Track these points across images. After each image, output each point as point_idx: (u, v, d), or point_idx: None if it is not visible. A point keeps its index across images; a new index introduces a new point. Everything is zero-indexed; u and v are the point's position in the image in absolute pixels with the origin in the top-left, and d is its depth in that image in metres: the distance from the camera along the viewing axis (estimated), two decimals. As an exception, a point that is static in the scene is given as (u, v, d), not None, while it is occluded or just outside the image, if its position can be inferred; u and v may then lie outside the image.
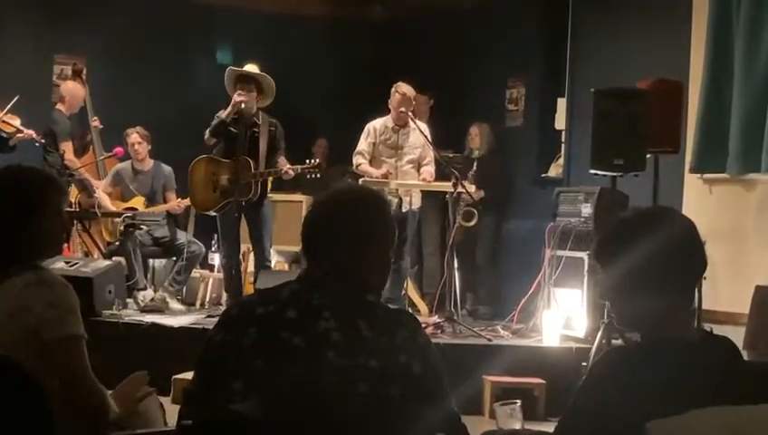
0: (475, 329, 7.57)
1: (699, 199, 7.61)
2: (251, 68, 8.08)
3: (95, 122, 9.46)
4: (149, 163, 8.87)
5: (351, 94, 10.48)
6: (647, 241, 2.46)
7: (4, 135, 8.71)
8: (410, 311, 8.32)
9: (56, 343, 2.78)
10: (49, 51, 10.31)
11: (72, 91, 9.20)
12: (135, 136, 8.77)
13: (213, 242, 9.11)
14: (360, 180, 8.02)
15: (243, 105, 7.81)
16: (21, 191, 2.92)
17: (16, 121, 8.74)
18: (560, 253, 7.59)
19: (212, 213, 8.10)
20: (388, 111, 8.31)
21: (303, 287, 2.54)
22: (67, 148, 8.89)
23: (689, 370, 2.41)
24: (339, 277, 2.53)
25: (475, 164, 9.11)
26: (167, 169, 8.92)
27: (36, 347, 2.76)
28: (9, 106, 8.64)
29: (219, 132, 7.92)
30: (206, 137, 7.98)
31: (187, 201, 8.64)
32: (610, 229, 2.60)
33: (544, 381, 6.66)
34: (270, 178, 8.24)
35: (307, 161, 7.91)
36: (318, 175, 7.91)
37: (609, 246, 2.54)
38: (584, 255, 7.40)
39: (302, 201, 9.31)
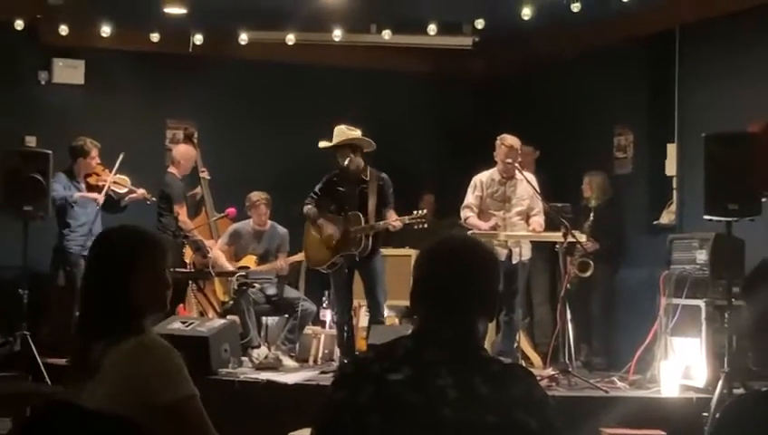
0: (590, 381, 7.45)
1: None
2: (342, 132, 8.16)
3: (204, 173, 9.65)
4: (267, 224, 9.02)
5: (456, 148, 10.52)
6: None
7: (115, 196, 8.97)
8: (524, 364, 8.25)
9: (171, 407, 2.78)
10: (161, 116, 10.63)
11: (185, 153, 9.42)
12: (263, 208, 8.91)
13: (324, 298, 9.19)
14: (468, 233, 8.00)
15: (349, 166, 7.96)
16: (113, 252, 2.94)
17: (126, 181, 8.99)
18: (675, 301, 7.46)
19: (324, 269, 8.19)
20: (494, 164, 8.30)
21: (417, 343, 2.53)
22: (181, 210, 9.11)
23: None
24: (452, 332, 2.52)
25: (591, 214, 9.01)
26: (282, 230, 9.06)
27: (150, 414, 2.77)
28: (117, 165, 8.90)
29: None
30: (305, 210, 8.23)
31: (296, 257, 8.77)
32: (757, 267, 2.60)
33: (665, 433, 6.51)
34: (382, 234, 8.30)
35: (414, 212, 7.96)
36: (425, 225, 7.95)
37: (755, 282, 2.53)
38: (701, 302, 7.25)
39: (410, 255, 9.32)
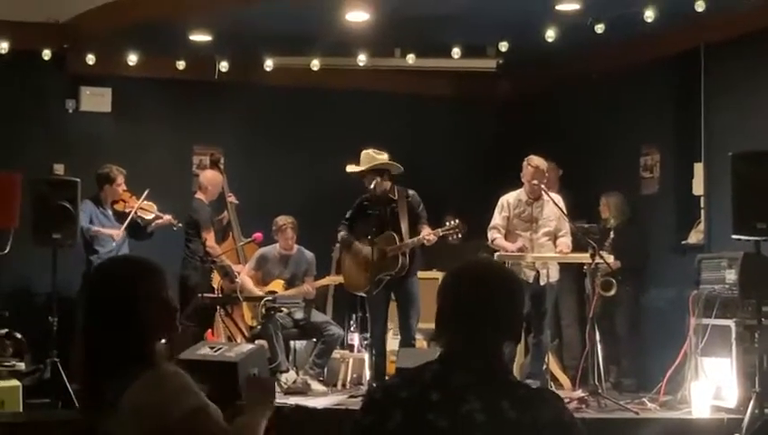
0: (620, 402, 7.41)
1: None
2: (369, 156, 8.19)
3: (230, 198, 9.69)
4: (294, 248, 9.05)
5: (482, 170, 10.53)
6: None
7: (142, 222, 9.02)
8: (553, 386, 8.22)
9: (183, 420, 2.78)
10: (187, 142, 10.70)
11: (212, 179, 9.49)
12: (290, 232, 8.93)
13: (351, 322, 9.19)
14: (496, 255, 7.99)
15: (376, 189, 7.99)
16: (114, 285, 2.94)
17: (153, 208, 9.05)
18: (705, 321, 7.41)
19: (364, 293, 8.23)
20: (520, 185, 8.29)
21: (444, 367, 2.53)
22: (209, 236, 9.15)
23: None
24: (479, 356, 2.52)
25: (611, 234, 9.00)
26: (309, 255, 9.09)
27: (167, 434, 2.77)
28: (143, 197, 8.96)
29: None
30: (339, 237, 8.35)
31: (323, 281, 8.77)
32: None
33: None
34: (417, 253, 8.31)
35: (447, 223, 7.97)
36: (459, 235, 7.97)
37: None
38: (731, 322, 7.20)
39: (437, 278, 9.31)
